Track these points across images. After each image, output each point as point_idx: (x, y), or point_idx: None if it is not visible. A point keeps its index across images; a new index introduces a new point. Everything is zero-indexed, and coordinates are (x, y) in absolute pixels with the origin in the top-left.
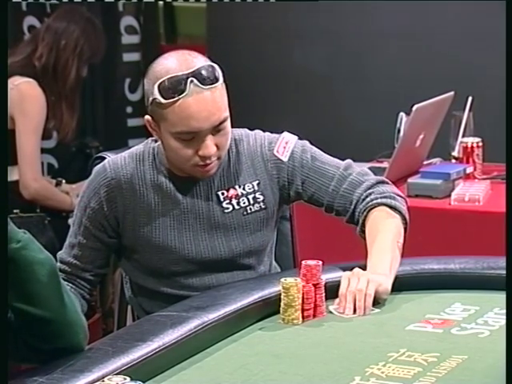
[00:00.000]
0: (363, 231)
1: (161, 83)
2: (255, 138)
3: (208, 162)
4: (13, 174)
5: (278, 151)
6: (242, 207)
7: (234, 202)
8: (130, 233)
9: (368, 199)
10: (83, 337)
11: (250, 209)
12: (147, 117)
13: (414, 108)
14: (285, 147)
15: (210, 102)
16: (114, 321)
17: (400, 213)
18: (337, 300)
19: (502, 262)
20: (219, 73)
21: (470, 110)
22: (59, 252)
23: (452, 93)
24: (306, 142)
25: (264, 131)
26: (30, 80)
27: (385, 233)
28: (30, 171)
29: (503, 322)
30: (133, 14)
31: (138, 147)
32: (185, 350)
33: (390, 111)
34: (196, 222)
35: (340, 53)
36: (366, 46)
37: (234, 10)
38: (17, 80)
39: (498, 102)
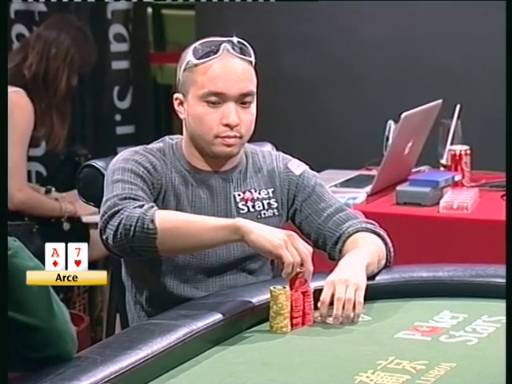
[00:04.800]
0: (341, 252)
1: (195, 46)
2: (270, 152)
3: (230, 134)
4: None
5: (291, 165)
6: (256, 211)
7: (250, 204)
8: None
9: (358, 226)
10: (72, 345)
11: (264, 213)
12: (176, 95)
13: (403, 116)
14: (298, 165)
15: (239, 68)
16: (102, 329)
17: (386, 244)
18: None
19: (490, 269)
20: (252, 53)
21: (458, 117)
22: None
23: (440, 101)
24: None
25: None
26: (19, 89)
27: (366, 245)
28: (14, 182)
29: (491, 329)
30: (121, 21)
31: (156, 144)
32: (173, 358)
33: (378, 119)
34: None
35: (329, 60)
36: (355, 54)
37: (223, 18)
38: None
39: (486, 110)
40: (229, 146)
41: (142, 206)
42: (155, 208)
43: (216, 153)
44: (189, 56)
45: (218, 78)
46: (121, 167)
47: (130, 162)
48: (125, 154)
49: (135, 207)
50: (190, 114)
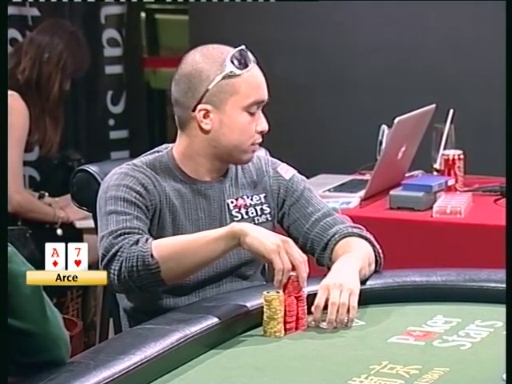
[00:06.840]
0: (331, 259)
1: (232, 56)
2: (258, 157)
3: (260, 140)
4: None
5: (281, 169)
6: (250, 217)
7: (243, 211)
8: (155, 232)
9: (345, 231)
10: (65, 351)
11: (258, 219)
12: (201, 106)
13: (396, 120)
14: (287, 170)
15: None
16: (95, 334)
17: (374, 248)
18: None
19: (483, 274)
20: None
21: (451, 122)
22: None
23: (433, 105)
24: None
25: None
26: (14, 93)
27: (357, 250)
28: (12, 184)
29: (484, 334)
30: (115, 26)
31: (145, 158)
32: (167, 363)
33: (371, 123)
34: (210, 229)
35: (322, 65)
36: (348, 58)
37: (217, 23)
38: None
39: (479, 115)
40: (254, 152)
41: (137, 241)
42: (150, 240)
43: (244, 160)
44: (228, 67)
45: (259, 87)
46: (113, 196)
47: (121, 188)
48: (115, 177)
49: (131, 245)
50: (226, 124)
